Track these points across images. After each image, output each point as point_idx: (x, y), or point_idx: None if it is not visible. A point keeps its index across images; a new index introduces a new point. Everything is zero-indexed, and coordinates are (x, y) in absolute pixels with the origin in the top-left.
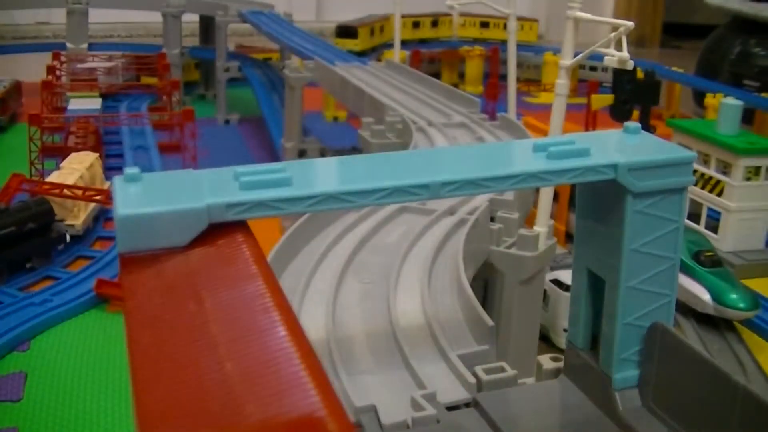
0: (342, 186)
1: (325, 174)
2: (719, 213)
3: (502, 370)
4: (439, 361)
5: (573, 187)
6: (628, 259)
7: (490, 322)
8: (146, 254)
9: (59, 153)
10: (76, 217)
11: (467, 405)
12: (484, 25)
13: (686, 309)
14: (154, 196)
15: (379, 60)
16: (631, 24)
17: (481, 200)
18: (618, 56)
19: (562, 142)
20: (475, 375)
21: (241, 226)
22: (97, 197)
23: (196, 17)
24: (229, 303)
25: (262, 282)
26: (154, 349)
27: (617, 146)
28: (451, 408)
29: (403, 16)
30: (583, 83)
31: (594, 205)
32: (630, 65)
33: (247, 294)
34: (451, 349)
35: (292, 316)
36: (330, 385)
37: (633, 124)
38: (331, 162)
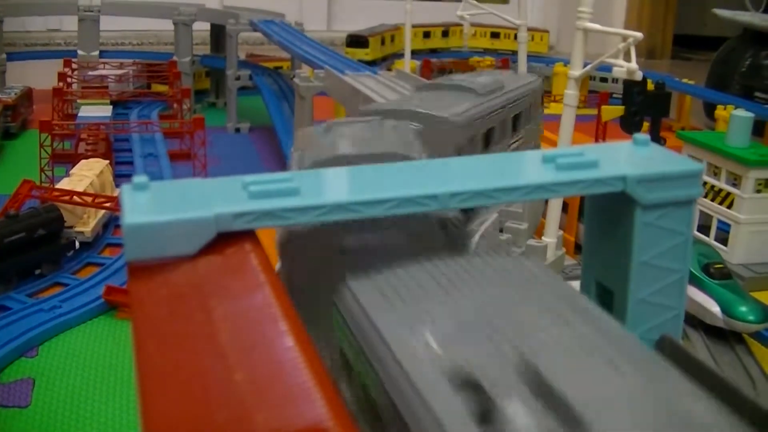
0: (350, 196)
1: (333, 184)
2: (729, 225)
3: None
4: None
5: (582, 198)
6: (636, 272)
7: None
8: (154, 263)
9: (69, 160)
10: (86, 223)
11: None
12: (495, 35)
13: (695, 321)
14: (162, 205)
15: (389, 69)
16: (639, 35)
17: (490, 210)
18: (627, 67)
19: (570, 154)
20: None
21: (249, 235)
22: (107, 204)
23: (207, 26)
24: (237, 312)
25: (270, 292)
26: (161, 359)
27: (626, 158)
28: None
29: (414, 26)
30: (593, 94)
31: (602, 217)
32: (638, 76)
33: (255, 304)
34: None
35: (299, 326)
36: (337, 395)
37: (642, 135)
38: (339, 172)
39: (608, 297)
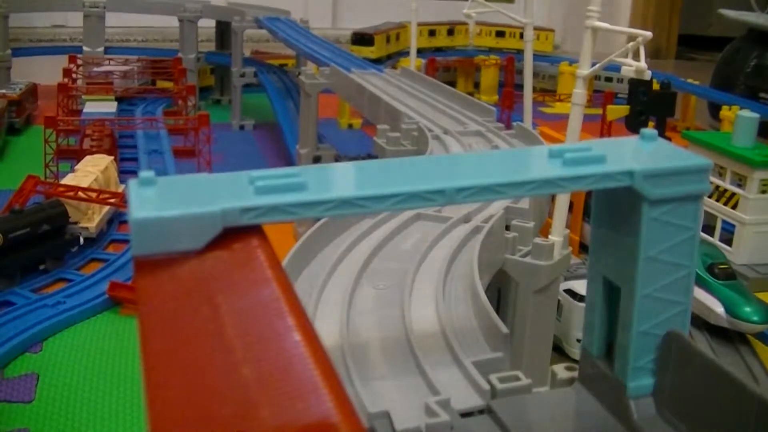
0: (357, 191)
1: (340, 179)
2: (734, 226)
3: (517, 378)
4: (453, 367)
5: (587, 197)
6: (643, 267)
7: (505, 329)
8: (161, 258)
9: (74, 155)
10: (90, 219)
11: (481, 412)
12: (500, 34)
13: (700, 321)
14: (168, 200)
15: (394, 68)
16: (648, 34)
17: (496, 208)
18: (636, 66)
19: (578, 149)
20: (489, 383)
21: (256, 230)
22: (112, 200)
23: (212, 23)
24: (244, 308)
25: (277, 287)
26: (168, 354)
27: (633, 153)
28: (465, 414)
29: (419, 24)
30: (598, 94)
31: (609, 212)
32: (647, 75)
33: (262, 299)
34: (465, 356)
35: (306, 321)
36: (344, 390)
37: (649, 130)
38: (346, 167)
39: (615, 292)
